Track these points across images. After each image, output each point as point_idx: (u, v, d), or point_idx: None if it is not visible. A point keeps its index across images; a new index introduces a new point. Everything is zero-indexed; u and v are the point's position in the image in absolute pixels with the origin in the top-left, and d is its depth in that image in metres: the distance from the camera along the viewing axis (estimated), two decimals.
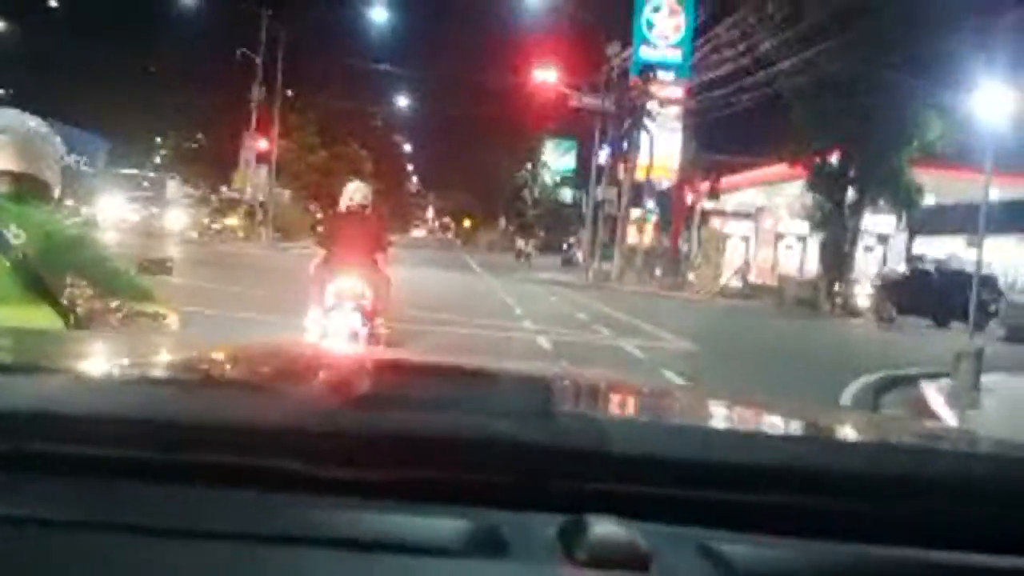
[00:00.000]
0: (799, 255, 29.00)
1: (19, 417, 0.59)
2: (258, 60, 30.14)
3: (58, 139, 2.69)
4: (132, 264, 2.98)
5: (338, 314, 5.79)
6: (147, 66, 39.91)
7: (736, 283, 27.39)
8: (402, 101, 51.22)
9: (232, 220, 31.14)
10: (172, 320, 2.83)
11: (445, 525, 0.56)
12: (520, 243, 44.85)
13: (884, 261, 26.50)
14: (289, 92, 33.99)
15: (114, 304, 2.77)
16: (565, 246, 43.90)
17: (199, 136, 38.83)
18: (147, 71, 37.99)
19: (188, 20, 35.34)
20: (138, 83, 34.88)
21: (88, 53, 33.54)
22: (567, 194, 53.82)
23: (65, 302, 2.58)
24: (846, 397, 8.26)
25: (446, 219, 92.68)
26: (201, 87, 34.52)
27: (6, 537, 0.51)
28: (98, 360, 1.13)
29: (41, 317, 2.48)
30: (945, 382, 8.36)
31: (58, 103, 23.76)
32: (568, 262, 39.04)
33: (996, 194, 12.02)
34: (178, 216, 29.19)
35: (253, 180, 30.56)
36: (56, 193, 2.64)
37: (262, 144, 31.04)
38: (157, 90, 34.82)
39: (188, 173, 37.05)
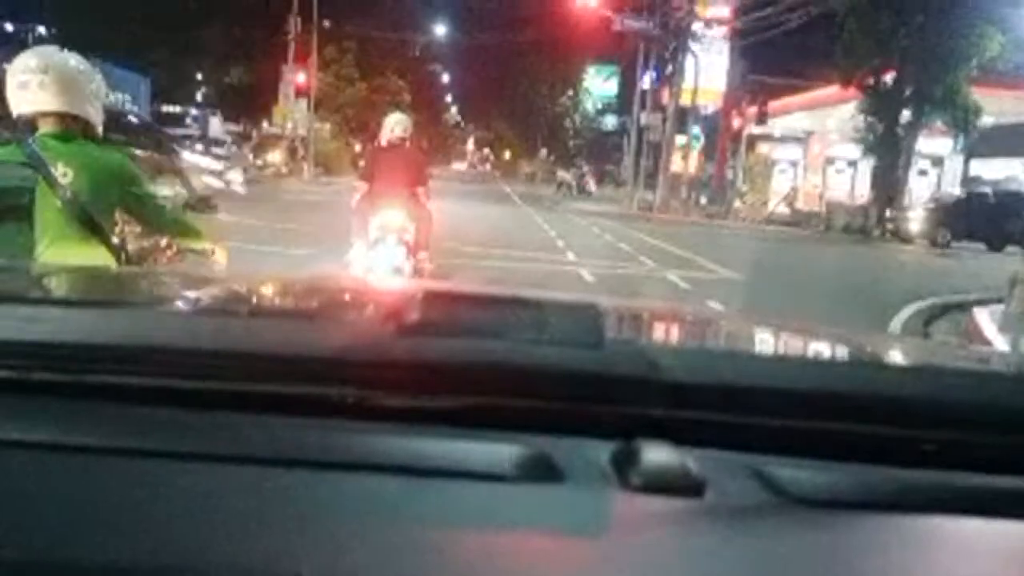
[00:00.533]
0: (849, 180, 28.24)
1: (77, 349, 0.61)
2: None
3: (99, 76, 2.69)
4: (180, 202, 3.02)
5: (382, 247, 5.82)
6: (186, 1, 39.81)
7: (783, 210, 26.87)
8: (440, 30, 50.51)
9: (274, 156, 31.28)
10: (220, 256, 2.87)
11: (499, 451, 0.56)
12: (561, 174, 44.24)
13: (939, 185, 25.69)
14: (326, 23, 33.61)
15: (163, 242, 2.83)
16: (572, 172, 42.05)
17: (239, 72, 38.78)
18: (186, 7, 37.88)
19: None
20: (178, 20, 34.78)
21: None
22: (610, 121, 52.87)
23: (116, 240, 2.63)
24: (895, 324, 8.15)
25: (486, 150, 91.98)
26: (240, 21, 34.31)
27: (67, 465, 0.53)
28: (151, 294, 1.16)
29: (93, 255, 2.53)
30: (998, 308, 8.17)
31: (98, 42, 23.86)
32: (581, 190, 38.13)
33: None
34: (221, 153, 29.38)
35: (293, 115, 30.53)
36: (100, 131, 2.65)
37: (300, 78, 30.89)
38: (196, 26, 34.71)
39: (230, 109, 37.17)
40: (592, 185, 40.56)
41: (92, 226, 2.53)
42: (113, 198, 2.58)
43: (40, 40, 25.58)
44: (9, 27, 37.50)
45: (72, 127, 2.52)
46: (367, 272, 5.81)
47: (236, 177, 15.03)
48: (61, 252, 2.49)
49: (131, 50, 28.69)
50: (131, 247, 2.71)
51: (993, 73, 20.16)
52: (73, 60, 2.59)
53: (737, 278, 10.93)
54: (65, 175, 2.47)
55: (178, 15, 33.10)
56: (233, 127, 35.67)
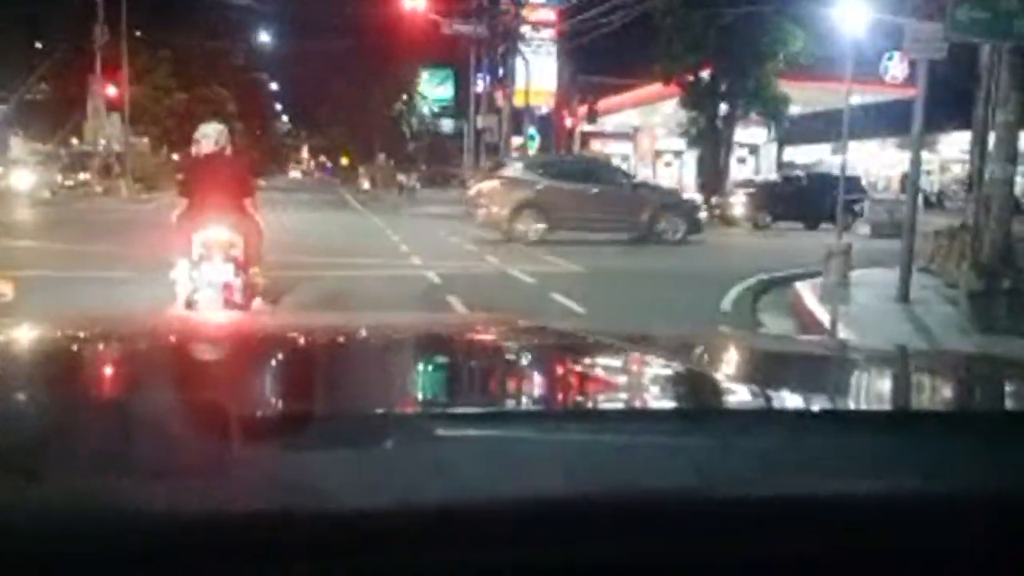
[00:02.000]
0: (677, 171, 29.70)
1: None
2: None
3: None
4: None
5: (208, 266, 5.42)
6: None
7: None
8: (264, 37, 48.72)
9: (87, 175, 29.03)
10: (4, 288, 2.51)
11: None
12: (401, 177, 43.91)
13: (757, 171, 27.46)
14: (138, 33, 31.58)
15: None
16: (410, 175, 42.03)
17: (42, 87, 35.75)
18: None
19: None
20: None
21: None
22: (447, 124, 52.95)
23: None
24: (727, 302, 8.56)
25: (322, 158, 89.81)
26: (40, 34, 31.67)
27: None
28: None
29: None
30: (818, 280, 8.76)
31: None
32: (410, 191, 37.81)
33: (857, 101, 12.51)
34: (25, 175, 26.86)
35: (105, 130, 28.45)
36: None
37: (111, 90, 28.83)
38: None
39: (33, 128, 34.18)
40: (417, 186, 40.54)
41: None
42: None
43: None
44: None
45: None
46: (193, 292, 5.41)
47: None
48: None
49: None
50: None
51: (798, 66, 21.80)
52: None
53: (578, 270, 11.14)
54: None
55: None
56: (39, 146, 32.84)
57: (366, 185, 49.93)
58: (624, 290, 9.49)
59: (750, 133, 25.76)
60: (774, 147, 27.26)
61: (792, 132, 25.34)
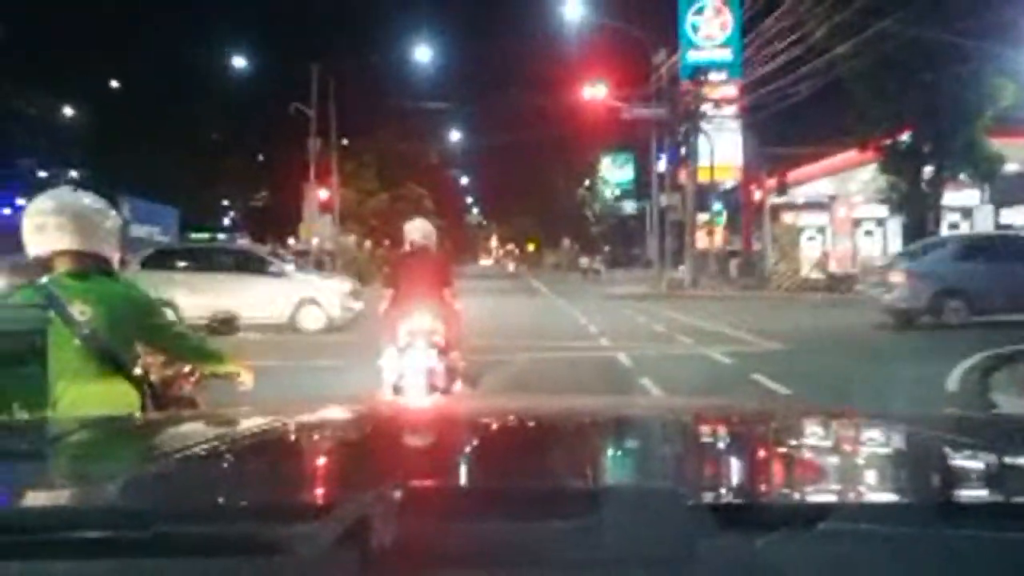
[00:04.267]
0: (879, 240, 27.95)
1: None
2: (311, 113, 30.90)
3: (113, 212, 2.68)
4: (202, 326, 2.97)
5: (413, 352, 5.73)
6: (209, 134, 41.36)
7: (817, 275, 26.53)
8: (455, 135, 51.92)
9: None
10: (246, 378, 2.80)
11: None
12: (584, 260, 44.53)
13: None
14: (345, 140, 34.74)
15: (187, 368, 2.76)
16: (592, 258, 42.22)
17: (263, 195, 40.04)
18: (209, 139, 39.34)
19: (242, 85, 36.56)
20: (202, 151, 36.20)
21: (152, 128, 34.92)
22: (628, 206, 53.36)
23: (139, 371, 2.56)
24: (952, 380, 7.86)
25: (510, 246, 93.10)
26: (261, 147, 35.62)
27: None
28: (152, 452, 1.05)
29: (115, 391, 2.46)
30: None
31: (129, 179, 24.81)
32: (596, 272, 37.85)
33: None
34: None
35: (318, 230, 31.22)
36: (116, 264, 2.63)
37: (323, 194, 31.70)
38: (220, 155, 36.10)
39: (256, 230, 38.16)
40: (602, 268, 40.83)
41: (112, 361, 2.47)
42: (132, 331, 2.53)
43: (73, 183, 26.66)
44: (42, 173, 39.21)
45: (88, 264, 2.49)
46: (400, 378, 5.72)
47: None
48: (81, 391, 2.41)
49: (161, 184, 29.81)
50: (154, 377, 2.64)
51: (1010, 121, 20.09)
52: (88, 199, 2.58)
53: (778, 347, 10.65)
54: (83, 312, 2.42)
55: (204, 146, 34.47)
56: (260, 246, 36.56)
57: (551, 269, 50.99)
58: (829, 371, 8.92)
59: (961, 195, 23.84)
60: (989, 209, 25.02)
61: (1008, 192, 23.20)
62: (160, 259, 14.26)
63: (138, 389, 2.53)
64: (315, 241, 31.19)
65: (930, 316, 13.51)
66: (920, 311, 13.63)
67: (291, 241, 35.57)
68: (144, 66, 40.26)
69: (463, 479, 0.80)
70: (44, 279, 2.44)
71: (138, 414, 2.34)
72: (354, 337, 11.12)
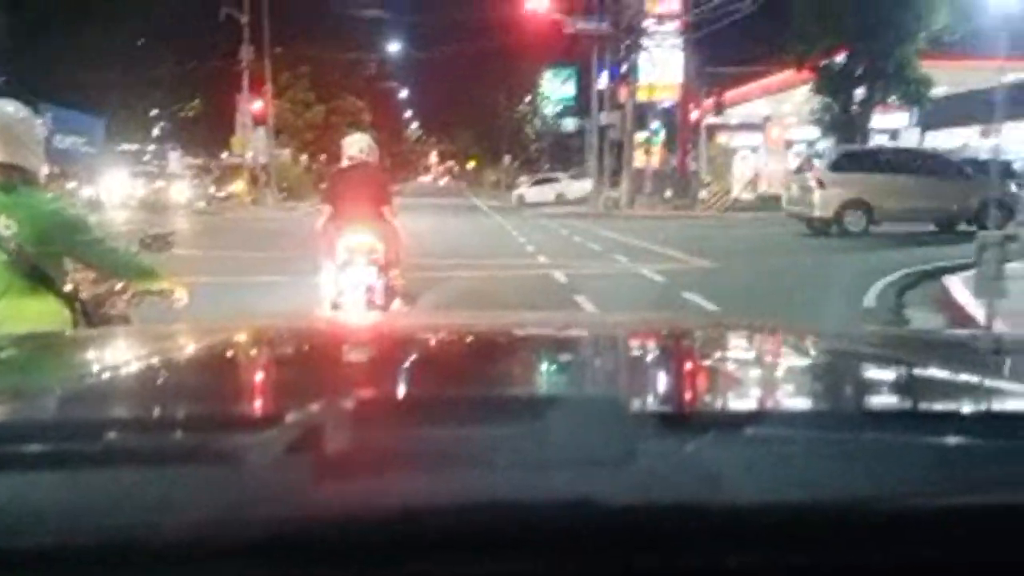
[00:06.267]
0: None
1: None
2: (243, 19, 29.56)
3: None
4: (134, 242, 2.93)
5: (352, 270, 5.75)
6: (135, 40, 39.15)
7: (747, 196, 27.05)
8: (394, 47, 50.36)
9: (237, 186, 31.00)
10: (181, 295, 2.78)
11: None
12: (522, 179, 44.29)
13: None
14: (278, 50, 33.42)
15: (119, 286, 2.73)
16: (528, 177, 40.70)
17: (194, 104, 38.44)
18: (136, 45, 37.31)
19: None
20: (129, 59, 34.35)
21: (76, 34, 32.88)
22: (570, 123, 52.95)
23: (69, 287, 2.54)
24: (870, 297, 8.23)
25: (450, 162, 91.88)
26: (191, 55, 33.97)
27: None
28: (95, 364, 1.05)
29: (47, 308, 2.44)
30: (970, 273, 8.25)
31: (51, 88, 23.52)
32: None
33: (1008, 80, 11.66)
34: (183, 188, 29.07)
35: (252, 143, 30.31)
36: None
37: (257, 106, 30.67)
38: (148, 63, 34.33)
39: (188, 143, 36.81)
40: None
41: (42, 277, 2.44)
42: (61, 246, 2.49)
43: None
44: None
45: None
46: (338, 295, 5.75)
47: None
48: (11, 306, 2.40)
49: (85, 92, 28.34)
50: (85, 294, 2.61)
51: (942, 45, 20.44)
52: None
53: (710, 266, 10.97)
54: (8, 227, 2.38)
55: (130, 53, 32.72)
56: (193, 160, 35.33)
57: (491, 187, 50.67)
58: (759, 289, 9.27)
59: (889, 118, 24.37)
60: (916, 132, 25.68)
61: (935, 115, 23.79)
62: None
63: (69, 306, 2.51)
64: (249, 155, 30.32)
65: (836, 226, 14.60)
66: (829, 221, 14.67)
67: (224, 155, 34.50)
68: None
69: (410, 389, 0.83)
70: None
71: (71, 331, 2.34)
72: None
